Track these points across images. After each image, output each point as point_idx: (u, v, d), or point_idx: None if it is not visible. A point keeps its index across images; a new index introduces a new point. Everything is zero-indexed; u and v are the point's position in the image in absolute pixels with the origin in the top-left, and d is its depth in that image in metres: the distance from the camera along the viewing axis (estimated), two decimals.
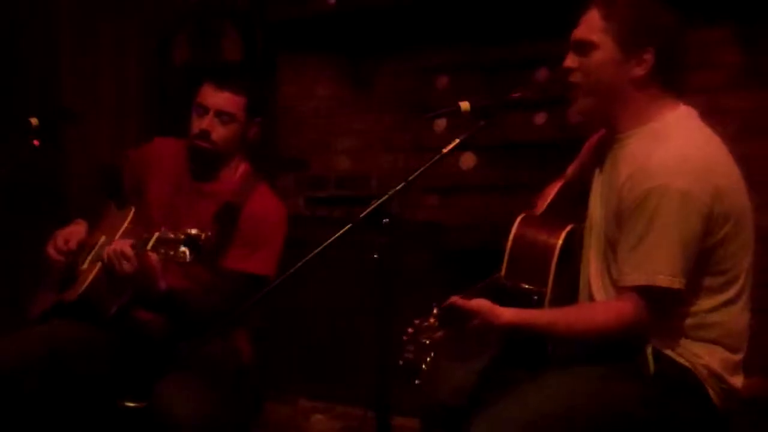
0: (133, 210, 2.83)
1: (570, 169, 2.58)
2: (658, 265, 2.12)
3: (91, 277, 2.73)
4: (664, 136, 2.20)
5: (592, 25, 2.24)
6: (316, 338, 4.30)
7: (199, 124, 2.85)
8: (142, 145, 3.10)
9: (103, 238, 2.84)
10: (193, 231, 2.42)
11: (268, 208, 2.89)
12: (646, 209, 2.13)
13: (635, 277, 2.14)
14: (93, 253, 2.83)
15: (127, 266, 2.54)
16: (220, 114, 2.84)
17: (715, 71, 3.46)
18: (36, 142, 2.88)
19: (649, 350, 2.17)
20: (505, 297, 2.20)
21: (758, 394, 2.33)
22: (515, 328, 2.14)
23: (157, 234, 2.48)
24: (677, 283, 2.12)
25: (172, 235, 2.44)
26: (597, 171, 2.35)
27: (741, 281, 2.22)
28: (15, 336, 2.72)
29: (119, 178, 3.03)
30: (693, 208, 2.12)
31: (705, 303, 2.20)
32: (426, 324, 2.15)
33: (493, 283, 2.30)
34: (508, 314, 2.13)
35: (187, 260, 2.41)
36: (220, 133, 2.84)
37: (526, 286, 2.26)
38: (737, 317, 2.24)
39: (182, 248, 2.40)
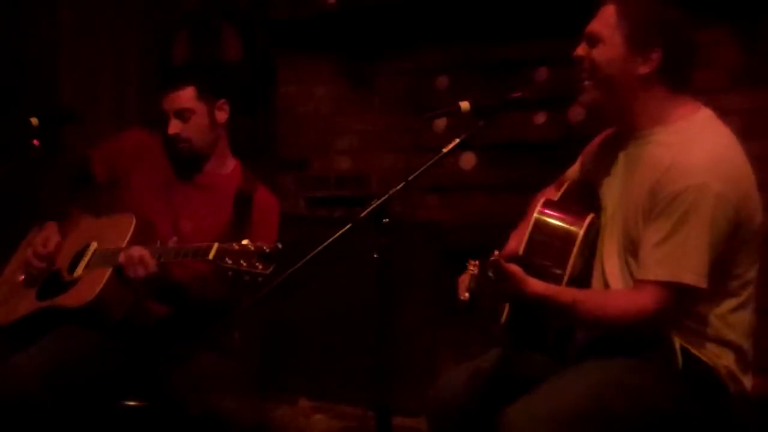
0: (134, 218, 2.85)
1: (570, 171, 2.57)
2: (686, 263, 2.12)
3: (102, 282, 2.71)
4: (693, 137, 2.21)
5: (606, 20, 2.26)
6: (317, 338, 4.30)
7: (167, 130, 2.97)
8: (115, 136, 3.15)
9: (94, 244, 2.84)
10: (255, 245, 2.47)
11: (273, 201, 3.02)
12: (679, 206, 2.12)
13: (659, 272, 2.14)
14: (86, 259, 2.82)
15: (141, 271, 2.65)
16: (178, 114, 2.95)
17: (715, 71, 3.45)
18: (36, 142, 2.88)
19: (678, 345, 2.18)
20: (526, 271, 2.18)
21: (759, 395, 2.33)
22: (541, 299, 2.14)
23: (216, 245, 2.51)
24: (702, 283, 2.13)
25: (236, 247, 2.47)
26: (612, 169, 2.35)
27: (752, 284, 2.25)
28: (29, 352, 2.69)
29: (89, 173, 3.04)
30: (725, 212, 2.13)
31: (727, 305, 2.22)
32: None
33: (513, 257, 2.28)
34: (537, 285, 2.13)
35: (267, 272, 2.45)
36: (185, 129, 2.94)
37: (547, 264, 2.25)
38: (750, 319, 2.26)
39: (257, 263, 2.45)
